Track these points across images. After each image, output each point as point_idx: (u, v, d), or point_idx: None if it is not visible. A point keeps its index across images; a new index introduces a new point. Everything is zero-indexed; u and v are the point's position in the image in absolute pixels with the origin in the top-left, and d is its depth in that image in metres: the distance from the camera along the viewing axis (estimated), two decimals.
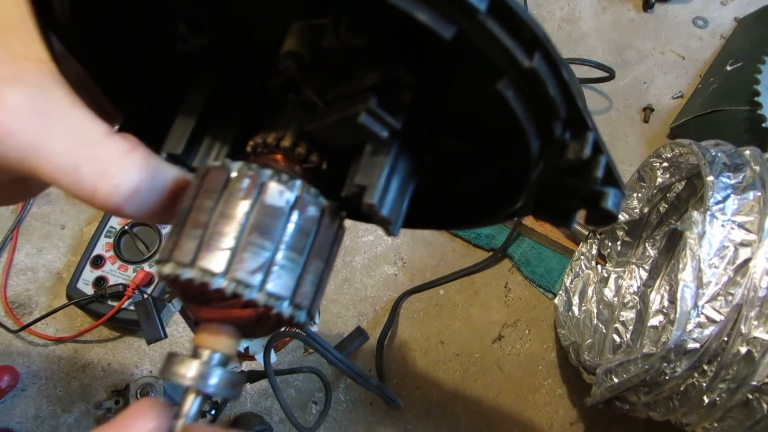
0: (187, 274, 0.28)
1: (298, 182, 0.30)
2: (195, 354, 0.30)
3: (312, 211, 0.30)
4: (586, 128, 0.27)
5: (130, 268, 0.86)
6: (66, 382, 0.82)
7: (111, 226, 0.88)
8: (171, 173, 0.31)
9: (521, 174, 0.31)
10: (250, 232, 0.28)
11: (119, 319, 0.83)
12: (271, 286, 0.28)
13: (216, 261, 0.28)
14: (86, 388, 0.82)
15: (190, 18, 0.32)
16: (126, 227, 0.88)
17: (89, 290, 0.84)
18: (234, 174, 0.30)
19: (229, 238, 0.28)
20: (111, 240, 0.87)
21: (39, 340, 0.85)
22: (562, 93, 0.26)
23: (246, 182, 0.29)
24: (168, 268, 0.29)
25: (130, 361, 0.84)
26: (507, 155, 0.32)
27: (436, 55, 0.28)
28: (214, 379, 0.29)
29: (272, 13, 0.30)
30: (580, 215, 0.33)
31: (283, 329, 0.69)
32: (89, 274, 0.85)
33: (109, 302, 0.83)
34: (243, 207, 0.29)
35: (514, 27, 0.24)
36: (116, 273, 0.85)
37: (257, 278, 0.28)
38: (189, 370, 0.29)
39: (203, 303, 0.29)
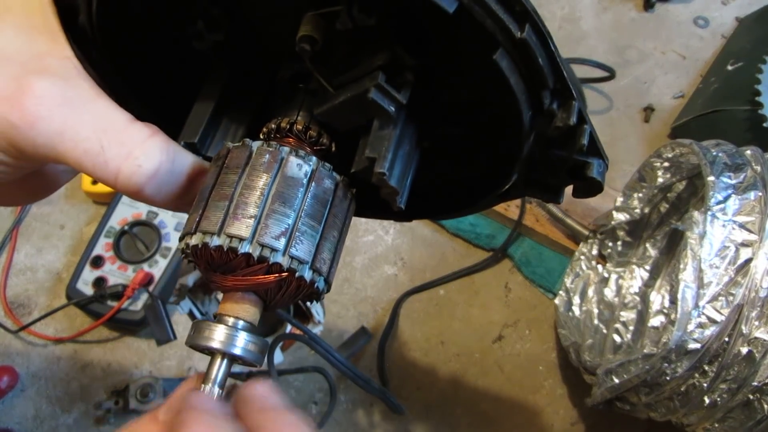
0: (216, 241, 0.30)
1: (314, 157, 0.33)
2: (220, 321, 0.31)
3: (327, 183, 0.33)
4: (571, 97, 0.30)
5: (130, 268, 0.85)
6: (65, 382, 0.82)
7: (111, 226, 0.88)
8: (189, 159, 0.34)
9: (513, 150, 0.33)
10: (272, 201, 0.31)
11: (119, 320, 0.83)
12: (294, 250, 0.30)
13: (243, 227, 0.30)
14: (86, 389, 0.82)
15: (207, 16, 0.34)
16: (126, 227, 0.88)
17: (89, 290, 0.84)
18: (255, 150, 0.32)
19: (253, 207, 0.30)
20: (111, 240, 0.87)
21: (38, 340, 0.84)
22: (549, 63, 0.29)
23: (267, 157, 0.32)
24: (195, 239, 0.31)
25: (130, 361, 0.84)
26: (500, 133, 0.34)
27: (438, 32, 0.31)
28: (241, 342, 0.30)
29: (283, 7, 0.33)
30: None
31: (286, 332, 0.69)
32: (89, 275, 0.85)
33: (109, 302, 0.83)
34: (265, 179, 0.31)
35: (507, 1, 0.27)
36: (116, 273, 0.85)
37: (281, 243, 0.30)
38: (216, 334, 0.30)
39: (228, 271, 0.31)
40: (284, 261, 0.30)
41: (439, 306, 0.93)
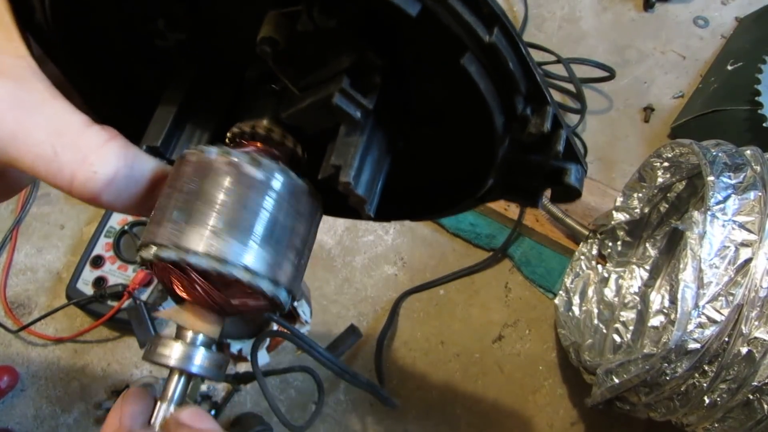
0: (168, 254, 0.28)
1: (273, 163, 0.31)
2: (178, 336, 0.30)
3: (289, 189, 0.31)
4: (545, 103, 0.29)
5: (130, 268, 0.85)
6: (65, 382, 0.82)
7: (111, 226, 0.88)
8: (150, 164, 0.32)
9: (488, 153, 0.32)
10: (229, 211, 0.29)
11: (119, 320, 0.83)
12: (250, 263, 0.29)
13: (196, 239, 0.28)
14: (86, 389, 0.82)
15: (168, 14, 0.33)
16: (126, 227, 0.88)
17: (89, 290, 0.84)
18: (212, 157, 0.30)
19: (208, 218, 0.29)
20: (111, 240, 0.87)
21: (38, 340, 0.84)
22: (521, 67, 0.28)
23: (223, 164, 0.30)
24: (149, 251, 0.29)
25: (130, 361, 0.84)
26: (474, 137, 0.33)
27: (404, 35, 0.29)
28: (198, 359, 0.29)
29: (247, 5, 0.31)
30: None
31: (273, 330, 0.69)
32: (89, 274, 0.85)
33: (109, 302, 0.83)
34: (221, 188, 0.29)
35: (474, 3, 0.26)
36: (116, 273, 0.85)
37: (237, 255, 0.28)
38: (172, 351, 0.29)
39: (184, 284, 0.29)
40: (239, 274, 0.29)
41: (439, 306, 0.93)
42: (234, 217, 0.29)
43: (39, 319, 0.84)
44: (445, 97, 0.33)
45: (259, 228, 0.29)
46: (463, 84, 0.28)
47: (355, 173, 0.30)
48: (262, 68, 0.34)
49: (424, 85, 0.33)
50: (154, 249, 0.29)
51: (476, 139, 0.32)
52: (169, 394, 0.29)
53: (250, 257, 0.29)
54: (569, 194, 0.32)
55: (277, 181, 0.31)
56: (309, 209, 0.33)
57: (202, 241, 0.28)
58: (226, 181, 0.30)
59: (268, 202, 0.30)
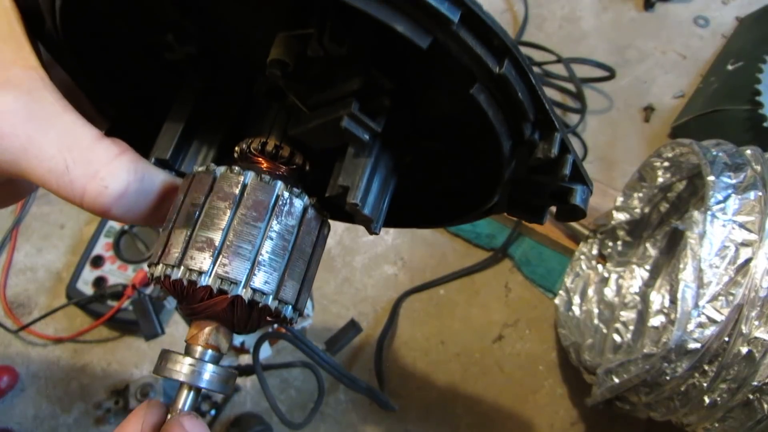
0: (176, 274, 0.29)
1: (279, 183, 0.32)
2: (188, 351, 0.31)
3: (296, 207, 0.32)
4: (553, 129, 0.30)
5: (130, 268, 0.85)
6: (65, 382, 0.82)
7: (111, 226, 0.88)
8: (159, 177, 0.32)
9: (495, 173, 0.33)
10: (234, 230, 0.30)
11: (119, 319, 0.83)
12: (255, 282, 0.30)
13: (202, 260, 0.29)
14: (86, 388, 0.82)
15: (177, 28, 0.33)
16: (126, 227, 0.88)
17: (89, 290, 0.84)
18: (218, 177, 0.31)
19: (214, 238, 0.30)
20: (111, 240, 0.87)
21: (38, 340, 0.85)
22: (530, 97, 0.29)
23: (230, 183, 0.31)
24: (158, 270, 0.30)
25: (130, 361, 0.84)
26: (482, 155, 0.33)
27: (414, 62, 0.30)
28: (207, 375, 0.30)
29: (257, 24, 0.32)
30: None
31: (271, 329, 0.69)
32: (89, 274, 0.85)
33: (109, 302, 0.83)
34: (227, 208, 0.30)
35: (485, 36, 0.26)
36: (116, 273, 0.85)
37: (242, 275, 0.29)
38: (182, 367, 0.30)
39: (192, 302, 0.30)
40: (245, 293, 0.29)
41: (439, 306, 0.93)
42: (239, 237, 0.30)
43: (39, 319, 0.84)
44: (453, 122, 0.34)
45: (266, 248, 0.30)
46: (472, 111, 0.28)
47: (362, 195, 0.30)
48: (271, 83, 0.34)
49: (433, 110, 0.34)
50: (162, 268, 0.30)
51: (483, 160, 0.33)
52: (179, 406, 0.30)
53: (256, 277, 0.30)
54: (574, 214, 0.33)
55: (285, 202, 0.31)
56: (316, 225, 0.33)
57: (207, 263, 0.29)
58: (232, 202, 0.30)
59: (275, 223, 0.31)
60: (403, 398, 0.84)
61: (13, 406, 0.80)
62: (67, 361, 0.84)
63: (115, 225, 0.88)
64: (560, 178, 0.30)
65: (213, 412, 0.80)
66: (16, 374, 0.81)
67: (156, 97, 0.38)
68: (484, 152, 0.32)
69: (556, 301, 0.89)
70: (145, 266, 0.85)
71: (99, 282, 0.84)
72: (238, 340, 0.65)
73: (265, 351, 0.73)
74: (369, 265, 0.95)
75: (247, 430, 0.77)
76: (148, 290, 0.83)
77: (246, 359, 0.77)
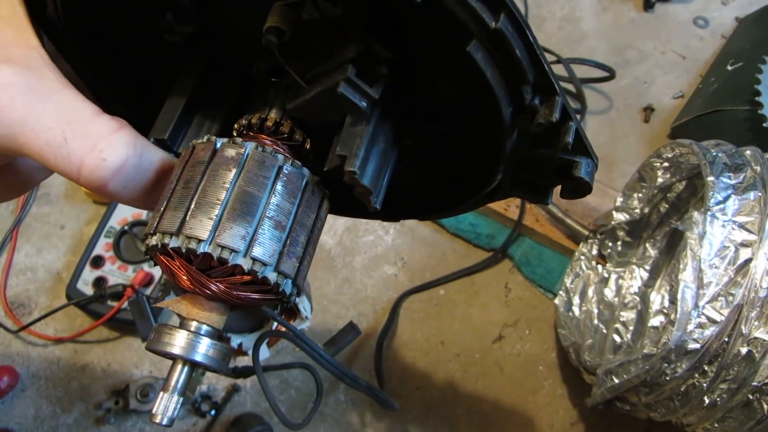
0: (174, 242, 0.28)
1: (280, 155, 0.31)
2: (182, 325, 0.30)
3: (295, 181, 0.31)
4: (554, 93, 0.28)
5: (130, 268, 0.85)
6: (65, 382, 0.82)
7: (111, 226, 0.88)
8: (158, 155, 0.32)
9: (496, 147, 0.32)
10: (234, 200, 0.29)
11: (119, 320, 0.83)
12: (256, 252, 0.29)
13: (202, 228, 0.28)
14: (86, 389, 0.82)
15: (176, 8, 0.33)
16: (126, 227, 0.88)
17: (89, 290, 0.84)
18: (219, 147, 0.31)
19: (214, 207, 0.29)
20: (111, 240, 0.87)
21: (38, 340, 0.84)
22: (528, 55, 0.27)
23: (231, 154, 0.30)
24: (155, 239, 0.29)
25: (130, 361, 0.84)
26: (482, 130, 0.33)
27: (410, 24, 0.29)
28: (202, 348, 0.29)
29: None
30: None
31: (272, 329, 0.69)
32: (89, 275, 0.85)
33: (109, 302, 0.83)
34: (228, 177, 0.29)
35: None
36: (116, 273, 0.85)
37: (243, 244, 0.28)
38: (177, 339, 0.29)
39: (189, 273, 0.29)
40: (245, 263, 0.28)
41: (439, 306, 0.93)
42: (240, 207, 0.29)
43: (39, 319, 0.84)
44: (452, 90, 0.33)
45: (266, 218, 0.29)
46: (470, 74, 0.27)
47: (360, 163, 0.29)
48: (270, 62, 0.34)
49: (432, 76, 0.33)
50: (159, 236, 0.29)
51: (484, 132, 0.32)
52: (172, 383, 0.29)
53: (256, 247, 0.29)
54: (580, 189, 0.31)
55: (284, 172, 0.31)
56: (316, 200, 0.33)
57: (207, 230, 0.28)
58: (233, 172, 0.30)
59: (275, 193, 0.30)
60: (402, 398, 0.84)
61: (13, 406, 0.80)
62: (67, 361, 0.84)
63: (115, 225, 0.88)
64: (563, 146, 0.29)
65: (213, 412, 0.80)
66: (17, 374, 0.81)
67: (154, 84, 0.38)
68: (484, 124, 0.31)
69: (556, 301, 0.89)
70: (145, 266, 0.85)
71: (99, 282, 0.84)
72: (235, 341, 0.64)
73: (264, 353, 0.72)
74: (369, 266, 0.95)
75: (247, 430, 0.77)
76: (147, 291, 0.83)
77: (244, 361, 0.77)
